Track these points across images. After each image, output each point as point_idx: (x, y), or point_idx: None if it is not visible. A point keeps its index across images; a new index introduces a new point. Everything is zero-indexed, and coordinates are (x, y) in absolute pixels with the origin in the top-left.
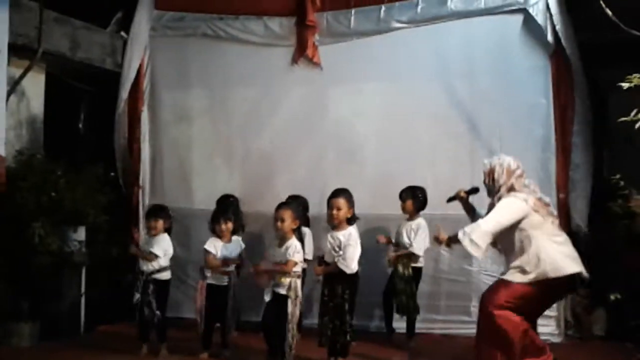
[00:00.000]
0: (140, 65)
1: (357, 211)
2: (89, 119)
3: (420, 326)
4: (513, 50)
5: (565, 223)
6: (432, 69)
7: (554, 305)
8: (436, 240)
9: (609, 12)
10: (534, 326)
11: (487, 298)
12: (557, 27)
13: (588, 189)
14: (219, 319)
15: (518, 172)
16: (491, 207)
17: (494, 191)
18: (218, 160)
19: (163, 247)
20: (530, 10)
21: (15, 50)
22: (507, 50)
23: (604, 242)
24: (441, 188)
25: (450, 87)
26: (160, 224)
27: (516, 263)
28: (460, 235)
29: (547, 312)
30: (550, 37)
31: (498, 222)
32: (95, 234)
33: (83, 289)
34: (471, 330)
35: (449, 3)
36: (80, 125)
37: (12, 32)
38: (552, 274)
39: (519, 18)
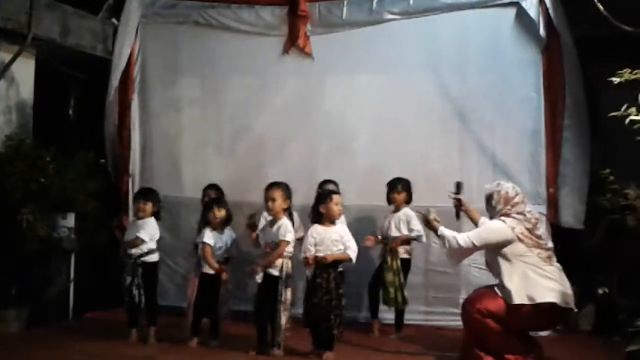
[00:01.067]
0: (131, 53)
1: (347, 202)
2: (79, 105)
3: (409, 317)
4: (505, 43)
5: (554, 217)
6: (423, 61)
7: None
8: (426, 222)
9: (601, 7)
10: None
11: (472, 300)
12: (553, 19)
13: (583, 186)
14: (210, 308)
15: (516, 199)
16: None
17: (492, 216)
18: (208, 149)
19: (150, 232)
20: (523, 4)
21: (5, 35)
22: (498, 44)
23: (592, 236)
24: (431, 180)
25: (441, 79)
26: (149, 206)
27: (500, 282)
28: (440, 232)
29: None
30: (542, 31)
31: (482, 238)
32: (84, 221)
33: (72, 276)
34: (460, 322)
35: None
36: (70, 112)
37: (2, 17)
38: (528, 301)
39: (511, 11)
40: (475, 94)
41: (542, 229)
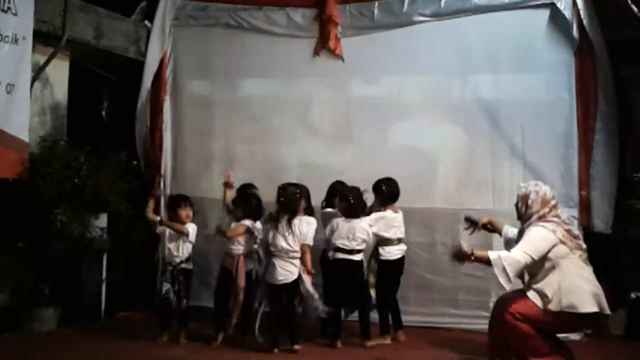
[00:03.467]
0: (163, 55)
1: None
2: (111, 107)
3: (438, 321)
4: (537, 45)
5: (587, 221)
6: (454, 64)
7: None
8: (457, 257)
9: (635, 9)
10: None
11: (503, 303)
12: (585, 22)
13: (612, 188)
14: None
15: (553, 202)
16: (521, 232)
17: (524, 217)
18: (239, 150)
19: (194, 237)
20: (559, 5)
21: (40, 37)
22: (530, 46)
23: (625, 240)
24: (463, 184)
25: (472, 81)
26: (191, 212)
27: (538, 286)
28: (492, 257)
29: None
30: (575, 33)
31: (530, 255)
32: (116, 221)
33: (104, 276)
34: None
35: None
36: (104, 113)
37: (37, 20)
38: (568, 309)
39: (544, 12)
40: (507, 96)
41: (578, 231)
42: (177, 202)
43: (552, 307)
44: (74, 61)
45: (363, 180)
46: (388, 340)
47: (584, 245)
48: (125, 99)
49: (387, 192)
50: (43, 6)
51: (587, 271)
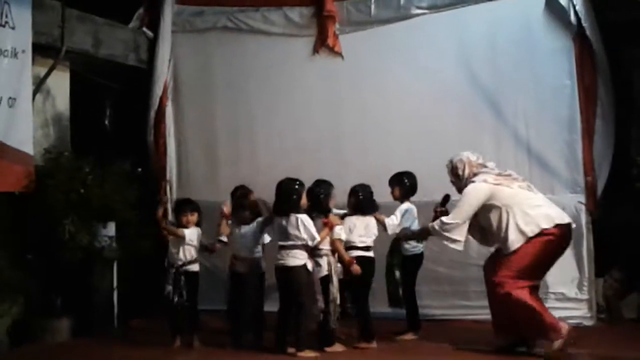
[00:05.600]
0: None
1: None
2: (114, 115)
3: (450, 312)
4: (536, 32)
5: (593, 206)
6: (454, 55)
7: (585, 289)
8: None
9: None
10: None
11: (490, 279)
12: (577, 8)
13: (605, 172)
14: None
15: (479, 161)
16: None
17: (462, 185)
18: (243, 152)
19: (199, 241)
20: None
21: (39, 49)
22: (529, 33)
23: (634, 225)
24: None
25: (473, 71)
26: (196, 217)
27: (501, 241)
28: (430, 228)
29: (578, 296)
30: (573, 18)
31: (465, 211)
32: (124, 229)
33: (115, 284)
34: None
35: None
36: (106, 122)
37: (35, 32)
38: (523, 241)
39: (540, 0)
40: (508, 85)
41: (509, 171)
42: (179, 207)
43: (518, 244)
44: (74, 71)
45: (367, 176)
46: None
47: (520, 176)
48: (127, 106)
49: (410, 185)
50: (41, 18)
51: (537, 198)
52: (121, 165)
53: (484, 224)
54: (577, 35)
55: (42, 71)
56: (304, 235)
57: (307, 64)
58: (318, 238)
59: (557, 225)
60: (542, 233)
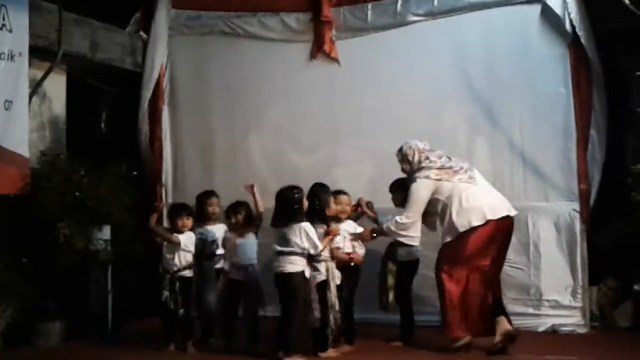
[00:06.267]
0: (161, 65)
1: (386, 205)
2: (110, 118)
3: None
4: (531, 40)
5: (587, 215)
6: (450, 62)
7: (579, 297)
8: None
9: (627, 1)
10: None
11: (437, 270)
12: (572, 16)
13: (597, 180)
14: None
15: (426, 147)
16: None
17: (411, 172)
18: (239, 157)
19: (193, 244)
20: (547, 1)
21: (36, 52)
22: (525, 41)
23: (629, 233)
24: None
25: (469, 78)
26: (191, 221)
27: (444, 230)
28: (385, 229)
29: (572, 303)
30: (568, 26)
31: (416, 209)
32: (119, 233)
33: (109, 287)
34: None
35: None
36: (102, 125)
37: (32, 35)
38: (465, 227)
39: (536, 8)
40: (504, 92)
41: (451, 162)
42: (175, 211)
43: (460, 229)
44: (70, 74)
45: (364, 182)
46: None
47: (464, 165)
48: (123, 110)
49: None
50: (38, 21)
51: (476, 188)
52: (117, 169)
53: (432, 214)
54: (572, 43)
55: (39, 74)
56: (306, 244)
57: (304, 70)
58: (320, 247)
59: (489, 222)
60: (473, 228)
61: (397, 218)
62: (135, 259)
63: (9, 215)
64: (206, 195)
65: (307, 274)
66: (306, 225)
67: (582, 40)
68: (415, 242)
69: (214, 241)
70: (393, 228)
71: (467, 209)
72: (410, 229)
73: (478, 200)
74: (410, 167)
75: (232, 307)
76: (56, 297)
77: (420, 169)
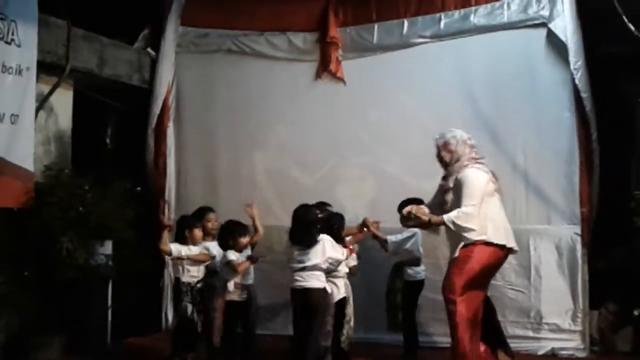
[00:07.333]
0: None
1: (389, 225)
2: (116, 134)
3: (441, 340)
4: (536, 63)
5: (588, 238)
6: (455, 84)
7: (579, 320)
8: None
9: (632, 27)
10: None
11: (445, 296)
12: (569, 46)
13: (595, 204)
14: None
15: (471, 141)
16: (454, 183)
17: (451, 162)
18: (243, 174)
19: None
20: (551, 26)
21: (44, 67)
22: (530, 64)
23: (631, 258)
24: None
25: (474, 101)
26: (202, 233)
27: (469, 225)
28: (446, 220)
29: (572, 327)
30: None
31: (477, 198)
32: (121, 248)
33: (110, 302)
34: None
35: (472, 17)
36: (108, 141)
37: (41, 50)
38: (495, 240)
39: (542, 32)
40: (508, 114)
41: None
42: (187, 221)
43: (484, 238)
44: (77, 90)
45: (368, 200)
46: None
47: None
48: (129, 126)
49: None
50: (46, 37)
51: (503, 212)
52: (121, 184)
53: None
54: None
55: (46, 89)
56: (332, 255)
57: (310, 89)
58: (342, 257)
59: (503, 247)
60: (489, 244)
61: (463, 208)
62: (136, 275)
63: (11, 229)
64: (205, 212)
65: (329, 290)
66: (327, 239)
67: (571, 68)
68: (474, 236)
69: (214, 257)
70: (456, 220)
71: (494, 219)
72: (471, 221)
73: (501, 219)
74: (451, 157)
75: (234, 329)
76: (56, 311)
77: (469, 159)
